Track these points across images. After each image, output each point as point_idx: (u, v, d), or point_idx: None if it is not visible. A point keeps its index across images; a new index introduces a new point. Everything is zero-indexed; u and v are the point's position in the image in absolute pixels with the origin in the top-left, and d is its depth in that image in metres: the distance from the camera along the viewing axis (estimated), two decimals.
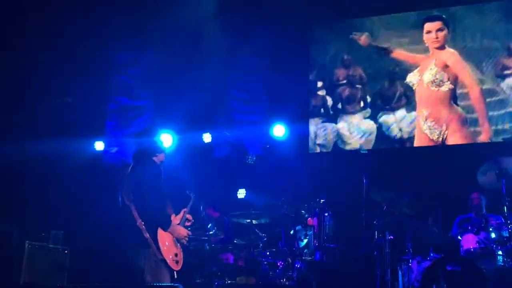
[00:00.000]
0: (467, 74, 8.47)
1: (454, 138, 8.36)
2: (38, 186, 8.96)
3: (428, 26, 8.82)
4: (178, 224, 5.02)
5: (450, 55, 8.61)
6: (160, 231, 4.67)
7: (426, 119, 8.52)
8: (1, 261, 6.96)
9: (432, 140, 8.46)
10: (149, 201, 4.64)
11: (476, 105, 8.35)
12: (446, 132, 8.37)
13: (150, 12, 9.57)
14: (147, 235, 4.60)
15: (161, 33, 9.65)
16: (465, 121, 8.36)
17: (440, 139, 8.39)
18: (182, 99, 9.63)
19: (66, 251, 7.74)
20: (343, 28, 9.43)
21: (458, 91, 8.46)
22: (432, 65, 8.63)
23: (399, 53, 8.92)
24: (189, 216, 5.23)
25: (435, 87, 8.50)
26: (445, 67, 8.57)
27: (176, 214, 5.19)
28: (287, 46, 9.31)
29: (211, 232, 7.43)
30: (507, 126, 8.15)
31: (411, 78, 8.77)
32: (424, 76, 8.65)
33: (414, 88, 8.74)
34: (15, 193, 8.62)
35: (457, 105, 8.43)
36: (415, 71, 8.76)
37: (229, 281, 6.80)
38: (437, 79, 8.50)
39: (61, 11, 9.40)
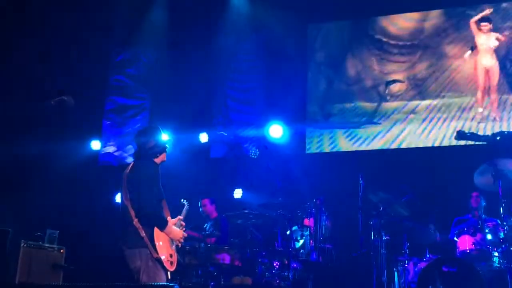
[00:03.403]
0: None
1: None
2: (34, 185, 8.94)
3: None
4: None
5: None
6: (156, 231, 4.65)
7: None
8: None
9: None
10: (146, 200, 4.61)
11: None
12: None
13: (147, 12, 9.58)
14: (143, 233, 4.58)
15: (158, 33, 9.65)
16: None
17: None
18: (179, 99, 9.62)
19: (61, 251, 7.73)
20: (344, 29, 9.44)
21: None
22: None
23: None
24: (182, 223, 5.18)
25: None
26: None
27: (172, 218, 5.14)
28: (285, 46, 9.29)
29: (207, 232, 7.42)
30: None
31: None
32: None
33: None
34: (11, 192, 8.60)
35: None
36: None
37: (224, 281, 6.78)
38: None
39: (58, 10, 9.39)
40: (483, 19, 8.54)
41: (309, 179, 8.15)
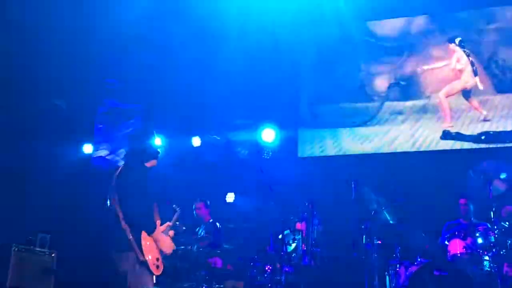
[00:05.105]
0: None
1: None
2: (25, 189, 8.90)
3: None
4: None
5: None
6: (143, 234, 4.65)
7: None
8: None
9: None
10: (133, 203, 4.61)
11: None
12: None
13: (141, 15, 9.56)
14: (130, 236, 4.58)
15: (152, 36, 9.64)
16: None
17: None
18: (171, 103, 9.62)
19: (52, 255, 7.71)
20: (332, 30, 9.46)
21: None
22: None
23: None
24: (171, 232, 5.16)
25: None
26: None
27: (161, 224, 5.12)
28: (277, 49, 9.31)
29: (199, 236, 7.43)
30: None
31: None
32: None
33: None
34: (1, 196, 8.56)
35: None
36: None
37: (217, 285, 6.78)
38: None
39: (50, 12, 9.37)
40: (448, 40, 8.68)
41: (301, 183, 8.17)
